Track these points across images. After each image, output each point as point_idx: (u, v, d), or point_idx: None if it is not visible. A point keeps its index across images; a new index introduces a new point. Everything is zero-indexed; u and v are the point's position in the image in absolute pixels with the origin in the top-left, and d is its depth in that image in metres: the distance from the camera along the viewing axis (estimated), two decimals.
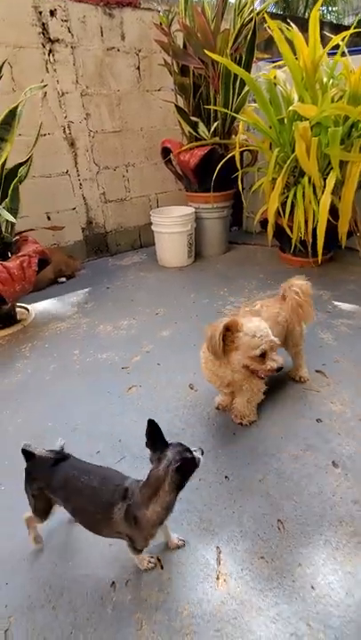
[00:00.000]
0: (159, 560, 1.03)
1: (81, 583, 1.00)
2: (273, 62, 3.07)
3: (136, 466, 1.31)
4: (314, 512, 1.12)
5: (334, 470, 1.24)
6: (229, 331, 1.18)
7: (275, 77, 2.64)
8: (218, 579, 0.97)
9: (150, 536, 0.90)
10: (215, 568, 1.00)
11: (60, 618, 0.94)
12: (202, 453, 0.91)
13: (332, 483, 1.20)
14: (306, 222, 2.42)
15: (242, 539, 1.06)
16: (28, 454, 1.01)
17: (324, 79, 2.47)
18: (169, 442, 0.90)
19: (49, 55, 2.77)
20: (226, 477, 1.25)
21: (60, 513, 1.17)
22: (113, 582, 0.99)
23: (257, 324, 1.17)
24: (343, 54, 2.45)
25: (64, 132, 2.99)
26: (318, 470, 1.24)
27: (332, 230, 2.40)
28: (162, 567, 1.01)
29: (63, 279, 3.01)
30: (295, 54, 2.34)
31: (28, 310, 2.53)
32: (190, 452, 0.88)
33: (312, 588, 0.94)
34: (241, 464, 1.29)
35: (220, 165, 2.66)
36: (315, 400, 1.56)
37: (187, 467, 0.86)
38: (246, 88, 2.72)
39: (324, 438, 1.36)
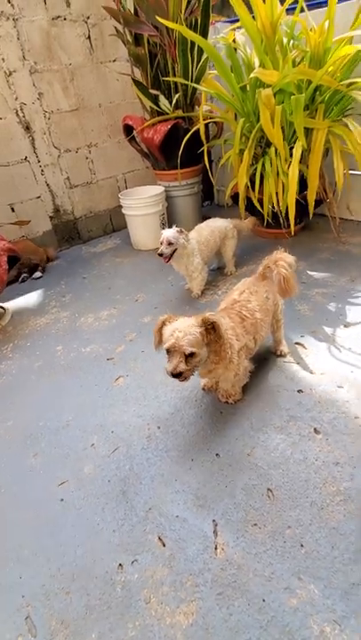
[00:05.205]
0: (160, 539, 1.10)
1: (90, 568, 1.07)
2: (231, 23, 2.93)
3: (130, 455, 1.37)
4: (300, 477, 1.21)
5: (316, 437, 1.33)
6: (165, 324, 1.24)
7: (234, 41, 2.53)
8: (216, 549, 1.06)
9: None
10: (213, 540, 1.08)
11: (75, 601, 1.01)
12: None
13: (314, 449, 1.29)
14: (277, 194, 2.42)
15: (235, 510, 1.14)
16: None
17: (285, 40, 2.38)
18: None
19: None
20: (217, 455, 1.32)
21: (63, 504, 1.23)
22: (120, 564, 1.07)
23: (175, 327, 1.18)
24: (302, 10, 2.36)
25: (17, 115, 2.81)
26: (302, 438, 1.33)
27: (303, 198, 2.41)
28: (163, 545, 1.09)
29: (38, 274, 2.93)
30: (252, 14, 2.24)
31: (4, 309, 2.48)
32: None
33: (301, 546, 1.03)
34: (229, 440, 1.37)
35: (185, 140, 2.59)
36: (295, 372, 1.63)
37: None
38: (206, 54, 2.60)
39: (306, 407, 1.44)
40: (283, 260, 1.46)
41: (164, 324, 1.24)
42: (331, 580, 0.96)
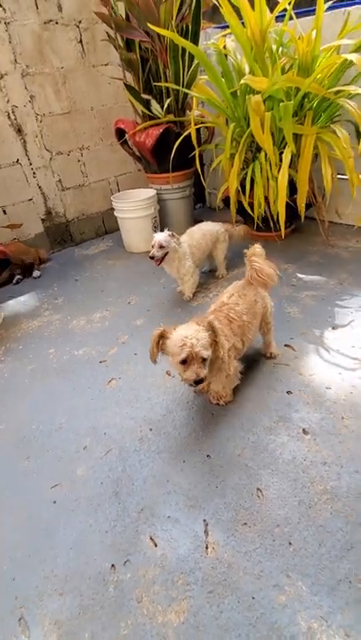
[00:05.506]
0: (152, 539, 1.12)
1: (83, 570, 1.08)
2: (222, 28, 2.96)
3: (123, 456, 1.39)
4: (288, 477, 1.23)
5: (304, 437, 1.36)
6: (163, 337, 1.24)
7: (224, 47, 2.57)
8: (207, 548, 1.08)
9: None
10: (204, 539, 1.10)
11: (68, 602, 1.02)
12: None
13: (303, 449, 1.32)
14: (266, 198, 2.46)
15: (226, 510, 1.17)
16: None
17: (274, 47, 2.42)
18: None
19: None
20: (208, 456, 1.34)
21: (56, 506, 1.24)
22: (112, 565, 1.08)
23: (184, 334, 1.19)
24: (291, 18, 2.40)
25: (9, 117, 2.82)
26: (290, 439, 1.36)
27: (293, 202, 2.45)
28: (155, 545, 1.11)
29: (37, 272, 2.94)
30: (242, 20, 2.27)
31: None
32: None
33: (290, 544, 1.06)
34: (220, 442, 1.39)
35: (176, 144, 2.62)
36: (285, 373, 1.66)
37: None
38: (197, 60, 2.64)
39: (295, 408, 1.48)
40: (253, 255, 1.52)
41: (162, 337, 1.24)
42: (318, 576, 0.99)
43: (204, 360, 1.21)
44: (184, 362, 1.20)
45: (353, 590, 0.95)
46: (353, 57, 1.91)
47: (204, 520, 1.15)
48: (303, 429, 1.39)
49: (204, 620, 0.94)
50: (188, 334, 1.19)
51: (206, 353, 1.19)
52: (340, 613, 0.92)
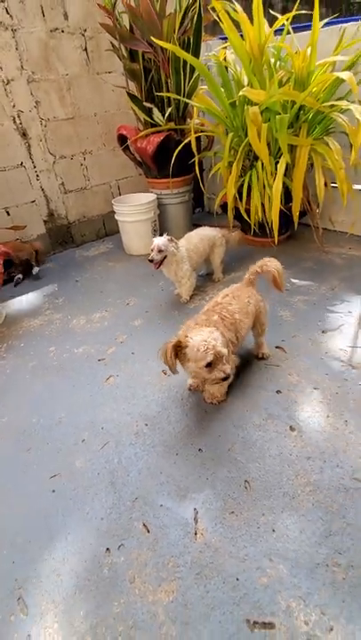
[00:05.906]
0: (145, 526, 1.19)
1: (79, 553, 1.16)
2: (223, 40, 3.06)
3: (119, 449, 1.46)
4: (275, 470, 1.31)
5: (291, 434, 1.44)
6: (180, 347, 1.31)
7: (224, 59, 2.66)
8: (196, 534, 1.16)
9: None
10: (193, 526, 1.18)
11: (65, 582, 1.10)
12: None
13: (289, 444, 1.40)
14: (263, 205, 2.55)
15: (215, 500, 1.24)
16: None
17: (272, 60, 2.52)
18: None
19: None
20: (200, 450, 1.42)
21: (55, 495, 1.32)
22: (107, 549, 1.16)
23: (202, 338, 1.26)
24: (288, 33, 2.50)
25: (14, 122, 2.90)
26: (278, 435, 1.44)
27: (288, 209, 2.54)
28: (148, 531, 1.18)
29: (36, 269, 3.00)
30: (241, 32, 2.36)
31: None
32: None
33: (273, 530, 1.14)
34: (212, 437, 1.47)
35: (177, 151, 2.71)
36: (275, 374, 1.74)
37: None
38: (197, 71, 2.73)
39: (283, 407, 1.56)
40: (270, 266, 1.63)
41: (180, 347, 1.31)
42: (298, 560, 1.07)
43: (223, 357, 1.30)
44: (209, 364, 1.28)
45: (329, 573, 1.03)
46: (344, 75, 2.00)
47: (195, 509, 1.22)
48: (290, 426, 1.46)
49: (192, 599, 1.02)
50: (206, 337, 1.27)
51: (225, 350, 1.29)
52: (317, 594, 0.99)
